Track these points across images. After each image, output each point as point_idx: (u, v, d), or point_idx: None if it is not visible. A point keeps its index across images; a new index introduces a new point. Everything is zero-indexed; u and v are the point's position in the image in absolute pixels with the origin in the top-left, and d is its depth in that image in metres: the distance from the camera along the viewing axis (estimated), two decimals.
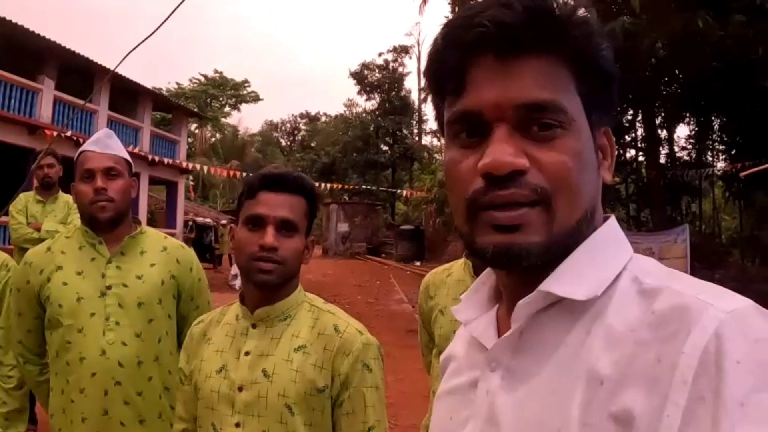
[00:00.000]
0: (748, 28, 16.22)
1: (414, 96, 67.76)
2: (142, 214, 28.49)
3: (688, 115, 26.04)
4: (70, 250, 3.41)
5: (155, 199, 36.72)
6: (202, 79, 76.76)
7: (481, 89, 1.03)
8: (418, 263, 41.55)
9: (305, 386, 2.37)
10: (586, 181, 1.05)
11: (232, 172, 34.72)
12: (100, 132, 3.58)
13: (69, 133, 22.31)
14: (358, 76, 64.01)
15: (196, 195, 47.40)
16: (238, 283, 26.09)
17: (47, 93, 25.01)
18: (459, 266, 3.63)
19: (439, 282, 3.65)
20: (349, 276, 31.82)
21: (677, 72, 22.12)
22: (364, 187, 46.81)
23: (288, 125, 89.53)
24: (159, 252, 3.52)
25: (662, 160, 25.75)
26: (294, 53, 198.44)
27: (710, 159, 27.24)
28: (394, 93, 63.49)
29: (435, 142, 65.53)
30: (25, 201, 7.17)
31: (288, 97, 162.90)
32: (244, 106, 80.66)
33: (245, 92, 79.56)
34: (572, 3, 1.04)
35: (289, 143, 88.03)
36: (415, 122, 67.45)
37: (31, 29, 22.61)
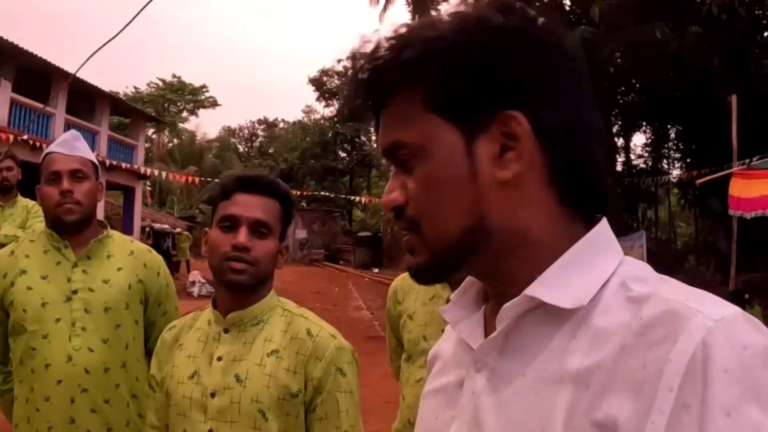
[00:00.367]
0: (703, 39, 16.48)
1: None
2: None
3: (644, 123, 26.50)
4: (35, 253, 3.32)
5: (112, 204, 36.28)
6: (160, 83, 75.92)
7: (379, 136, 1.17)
8: (376, 270, 41.76)
9: (279, 391, 2.35)
10: (448, 197, 1.06)
11: (190, 178, 34.50)
12: (66, 133, 3.50)
13: (26, 137, 22.02)
14: (317, 83, 64.23)
15: (153, 201, 47.00)
16: (196, 290, 25.96)
17: (3, 95, 24.42)
18: None
19: (407, 287, 3.63)
20: (307, 283, 31.80)
21: (634, 81, 22.43)
22: (322, 193, 46.78)
23: (246, 131, 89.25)
24: (126, 256, 3.44)
25: (619, 168, 26.11)
26: (252, 59, 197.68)
27: (666, 167, 27.69)
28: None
29: None
30: None
31: (246, 103, 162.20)
32: (202, 112, 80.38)
33: (203, 97, 78.83)
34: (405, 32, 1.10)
35: (246, 149, 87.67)
36: (373, 129, 67.49)
37: None
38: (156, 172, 33.79)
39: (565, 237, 1.06)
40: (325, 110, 68.39)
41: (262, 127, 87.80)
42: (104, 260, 3.36)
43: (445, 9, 1.12)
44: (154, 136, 61.00)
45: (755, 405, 0.83)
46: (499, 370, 1.07)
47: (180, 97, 76.67)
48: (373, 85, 1.13)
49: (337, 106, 64.56)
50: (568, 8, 21.69)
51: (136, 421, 3.27)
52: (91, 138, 29.39)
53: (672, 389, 0.85)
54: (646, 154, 28.29)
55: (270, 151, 78.24)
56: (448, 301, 3.23)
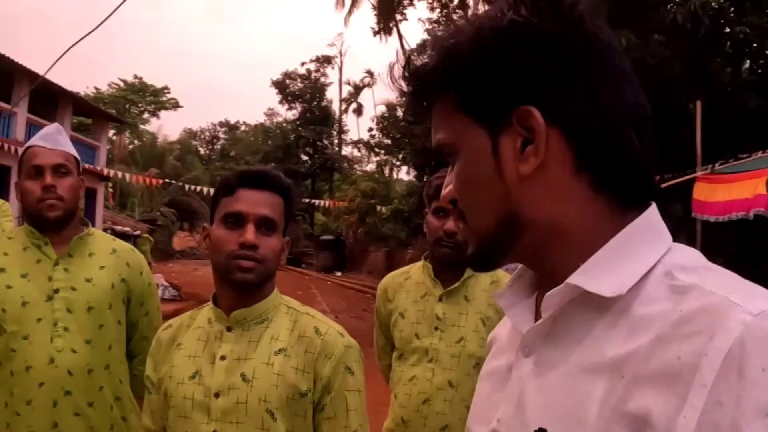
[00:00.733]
0: (666, 47, 16.63)
1: (335, 106, 68.02)
2: None
3: None
4: (14, 251, 3.19)
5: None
6: (122, 84, 75.03)
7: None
8: (338, 273, 41.73)
9: (287, 390, 2.29)
10: (480, 192, 1.12)
11: (154, 180, 34.22)
12: (49, 127, 3.38)
13: None
14: (280, 86, 64.01)
15: (114, 203, 46.58)
16: (159, 293, 25.67)
17: None
18: (417, 269, 3.59)
19: (397, 285, 3.61)
20: None
21: None
22: None
23: (207, 134, 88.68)
24: (108, 254, 3.35)
25: None
26: (214, 61, 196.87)
27: None
28: (315, 103, 63.72)
29: (355, 152, 65.87)
30: None
31: (208, 105, 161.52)
32: (163, 113, 79.64)
33: (165, 99, 78.04)
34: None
35: (208, 152, 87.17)
36: (335, 132, 67.69)
37: None
38: (120, 174, 33.48)
39: (606, 224, 1.07)
40: (287, 113, 68.21)
41: (224, 129, 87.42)
42: (86, 258, 3.26)
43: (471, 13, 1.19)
44: (114, 138, 60.36)
45: None
46: (545, 356, 1.09)
47: (141, 98, 75.86)
48: (413, 93, 1.21)
49: (300, 109, 64.45)
50: None
51: (120, 424, 3.20)
52: None
53: (706, 385, 0.84)
54: None
55: (231, 154, 77.85)
56: (440, 299, 3.24)
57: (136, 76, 76.12)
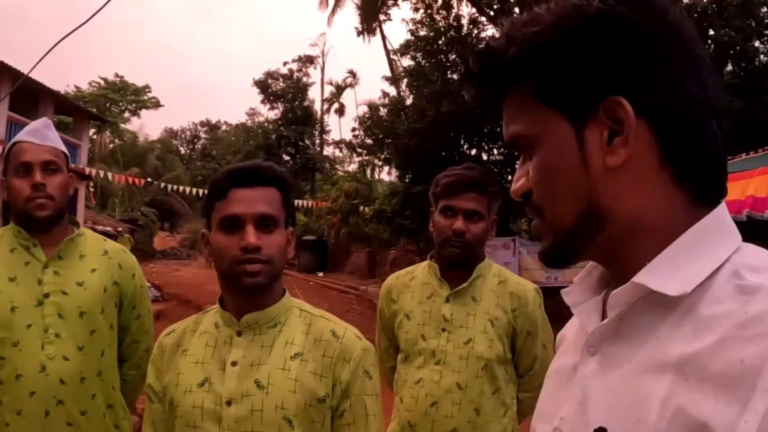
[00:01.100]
0: None
1: (317, 106, 67.96)
2: None
3: None
4: (0, 253, 3.05)
5: None
6: (102, 82, 74.35)
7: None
8: (320, 274, 41.64)
9: (305, 396, 2.19)
10: (562, 185, 1.09)
11: (136, 180, 34.04)
12: (37, 121, 3.22)
13: None
14: (262, 85, 63.89)
15: (95, 202, 46.31)
16: None
17: None
18: (422, 269, 3.52)
19: (401, 286, 3.54)
20: None
21: None
22: None
23: (188, 133, 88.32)
24: (100, 256, 3.22)
25: None
26: (195, 61, 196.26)
27: None
28: (297, 103, 63.61)
29: (337, 152, 65.83)
30: None
31: (189, 104, 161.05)
32: (144, 112, 79.20)
33: (146, 98, 77.40)
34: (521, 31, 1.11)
35: (189, 151, 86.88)
36: (317, 132, 67.60)
37: None
38: (102, 173, 33.28)
39: (683, 221, 1.05)
40: (269, 113, 68.09)
41: (205, 129, 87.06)
42: (77, 261, 3.13)
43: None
44: (95, 137, 60.00)
45: None
46: (610, 355, 1.08)
47: (122, 97, 75.23)
48: (487, 82, 1.18)
49: (282, 108, 64.35)
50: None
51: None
52: None
53: None
54: None
55: (213, 153, 77.53)
56: (447, 300, 3.20)
57: (117, 75, 75.61)
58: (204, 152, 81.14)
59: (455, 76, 23.20)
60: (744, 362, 0.85)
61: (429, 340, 3.27)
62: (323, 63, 69.03)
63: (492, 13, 22.82)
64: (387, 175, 41.62)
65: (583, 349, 1.13)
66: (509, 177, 23.97)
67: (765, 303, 0.89)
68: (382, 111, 27.12)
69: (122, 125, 74.57)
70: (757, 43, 19.65)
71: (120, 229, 37.19)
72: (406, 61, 27.55)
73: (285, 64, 65.51)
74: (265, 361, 2.24)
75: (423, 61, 24.49)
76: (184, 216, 61.23)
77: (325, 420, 2.23)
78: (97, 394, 3.06)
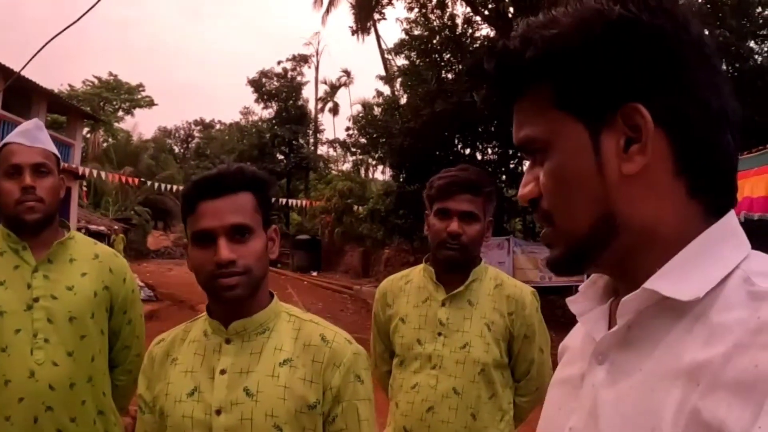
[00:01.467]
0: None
1: (311, 105, 67.99)
2: None
3: None
4: None
5: None
6: (96, 81, 74.13)
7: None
8: (314, 273, 41.69)
9: (295, 403, 2.15)
10: (577, 191, 1.08)
11: (130, 179, 33.99)
12: (28, 122, 3.15)
13: None
14: (256, 84, 63.86)
15: (88, 202, 46.25)
16: None
17: None
18: (418, 273, 3.48)
19: (397, 290, 3.49)
20: None
21: None
22: None
23: (182, 132, 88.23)
24: (90, 260, 3.16)
25: None
26: (189, 59, 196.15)
27: None
28: (291, 102, 63.64)
29: (331, 152, 65.89)
30: None
31: (183, 103, 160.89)
32: (138, 111, 79.09)
33: (140, 97, 77.25)
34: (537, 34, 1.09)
35: (182, 150, 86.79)
36: (311, 132, 67.64)
37: None
38: (95, 172, 33.22)
39: (695, 230, 1.04)
40: (263, 112, 68.09)
41: (199, 128, 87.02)
42: (67, 264, 3.07)
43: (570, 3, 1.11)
44: (89, 136, 59.86)
45: None
46: (619, 364, 1.07)
47: (116, 96, 75.05)
48: (500, 83, 1.17)
49: (276, 108, 64.34)
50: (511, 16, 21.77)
51: None
52: None
53: None
54: None
55: (206, 152, 77.50)
56: (443, 303, 3.17)
57: (110, 74, 75.48)
58: (198, 151, 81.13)
59: (450, 76, 23.22)
60: (758, 367, 0.84)
61: (425, 345, 3.23)
62: (317, 62, 69.23)
63: (486, 12, 22.81)
64: (381, 174, 41.69)
65: (590, 358, 1.13)
66: (503, 177, 24.00)
67: None
68: (377, 110, 27.14)
69: (116, 124, 74.52)
70: (752, 44, 19.69)
71: (116, 227, 37.18)
72: (401, 61, 27.60)
73: (279, 63, 65.57)
74: (254, 369, 2.20)
75: (417, 61, 24.52)
76: (177, 215, 61.07)
77: (316, 426, 2.20)
78: (88, 400, 3.01)
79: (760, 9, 19.10)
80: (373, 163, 38.88)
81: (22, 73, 16.55)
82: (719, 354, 0.90)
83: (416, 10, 24.70)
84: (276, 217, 56.29)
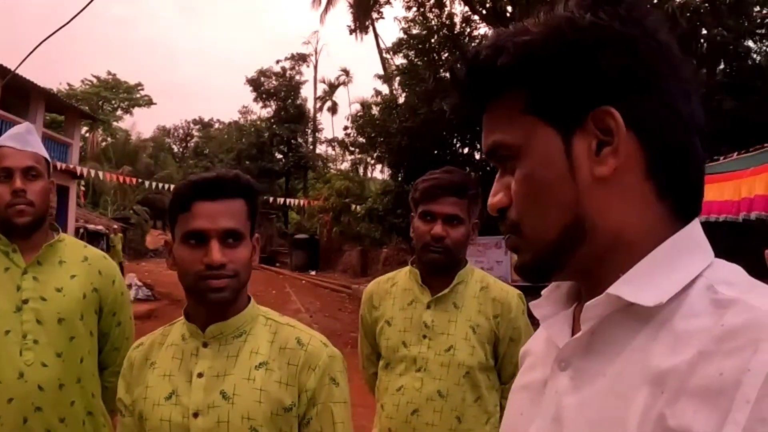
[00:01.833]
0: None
1: (310, 104, 67.99)
2: None
3: None
4: None
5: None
6: (95, 80, 74.02)
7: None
8: (313, 272, 41.75)
9: (271, 406, 2.17)
10: (548, 197, 1.08)
11: (128, 179, 33.97)
12: (19, 126, 3.17)
13: None
14: (255, 83, 63.95)
15: (86, 201, 46.21)
16: (132, 293, 25.38)
17: None
18: (404, 275, 3.48)
19: (383, 292, 3.50)
20: None
21: None
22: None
23: (181, 131, 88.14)
24: (80, 262, 3.18)
25: None
26: (189, 58, 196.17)
27: None
28: (290, 101, 63.74)
29: (330, 151, 65.94)
30: None
31: (182, 102, 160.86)
32: (136, 110, 79.00)
33: (138, 96, 77.02)
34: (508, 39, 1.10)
35: (181, 150, 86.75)
36: (310, 131, 67.69)
37: None
38: (92, 172, 33.19)
39: (659, 235, 1.06)
40: (262, 111, 68.19)
41: (197, 127, 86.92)
42: (56, 266, 3.10)
43: (541, 14, 1.12)
44: (87, 135, 59.83)
45: None
46: (583, 370, 1.08)
47: (115, 95, 74.96)
48: (471, 89, 1.17)
49: (274, 107, 64.39)
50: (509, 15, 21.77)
51: None
52: None
53: (749, 401, 0.82)
54: None
55: (205, 151, 77.47)
56: (428, 306, 3.16)
57: (109, 73, 75.32)
58: (197, 150, 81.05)
59: (448, 75, 23.25)
60: (723, 375, 0.86)
61: (410, 347, 3.23)
62: (316, 61, 69.31)
63: (484, 11, 22.79)
64: (380, 173, 41.66)
65: (553, 364, 1.13)
66: None
67: (740, 316, 0.90)
68: (375, 110, 27.11)
69: (114, 123, 74.45)
70: (750, 43, 19.68)
71: (115, 227, 37.15)
72: (399, 60, 27.55)
73: (278, 62, 65.78)
74: (230, 372, 2.22)
75: (415, 60, 24.49)
76: None
77: (292, 429, 2.22)
78: (77, 401, 3.03)
79: (758, 8, 19.05)
80: (372, 162, 38.90)
81: (21, 72, 16.57)
82: (684, 361, 0.91)
83: (414, 9, 24.68)
84: (275, 216, 56.43)
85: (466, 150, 24.19)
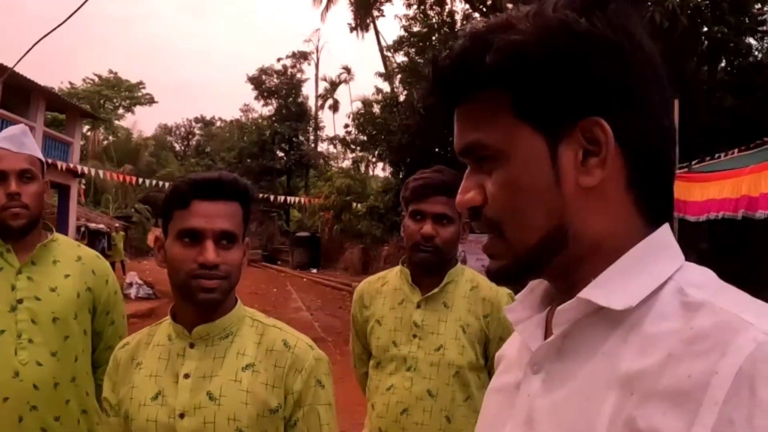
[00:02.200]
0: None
1: (311, 102, 67.97)
2: None
3: None
4: None
5: (46, 203, 35.51)
6: (96, 79, 73.80)
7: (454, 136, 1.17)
8: (314, 270, 41.76)
9: (257, 408, 2.18)
10: (531, 202, 1.07)
11: (128, 178, 33.97)
12: (14, 128, 3.19)
13: None
14: (256, 81, 63.89)
15: (87, 199, 46.22)
16: (133, 292, 25.41)
17: None
18: (395, 274, 3.49)
19: (374, 291, 3.51)
20: (244, 283, 31.16)
21: None
22: (260, 195, 46.16)
23: (182, 129, 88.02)
24: (73, 262, 3.22)
25: None
26: (189, 56, 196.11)
27: None
28: (291, 99, 63.67)
29: (331, 149, 65.87)
30: None
31: (184, 100, 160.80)
32: (138, 109, 78.94)
33: (140, 94, 76.92)
34: (490, 38, 1.07)
35: (183, 148, 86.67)
36: (311, 129, 67.67)
37: None
38: (93, 171, 33.19)
39: (634, 240, 1.06)
40: (263, 109, 68.13)
41: (199, 125, 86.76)
42: (50, 266, 3.14)
43: (524, 7, 1.10)
44: (89, 134, 59.80)
45: None
46: (554, 373, 1.08)
47: (116, 93, 74.81)
48: (452, 81, 1.13)
49: (276, 105, 64.36)
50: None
51: None
52: None
53: (717, 403, 0.83)
54: None
55: (207, 150, 77.37)
56: (418, 305, 3.16)
57: (111, 71, 75.19)
58: (198, 149, 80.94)
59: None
60: (691, 377, 0.87)
61: (400, 347, 3.24)
62: (317, 59, 69.21)
63: (485, 8, 22.80)
64: (382, 171, 41.66)
65: (526, 368, 1.13)
66: None
67: (709, 319, 0.92)
68: (376, 107, 27.11)
69: (116, 122, 74.37)
70: (751, 40, 19.67)
71: (116, 225, 37.16)
72: (400, 57, 27.60)
73: (279, 60, 65.60)
74: (217, 373, 2.23)
75: (416, 57, 24.51)
76: None
77: (278, 430, 2.24)
78: (71, 399, 3.06)
79: (759, 5, 19.05)
80: (373, 160, 38.89)
81: (23, 72, 16.56)
82: (654, 363, 0.92)
83: (415, 6, 24.72)
84: (276, 214, 56.42)
85: None
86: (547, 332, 1.15)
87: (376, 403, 3.28)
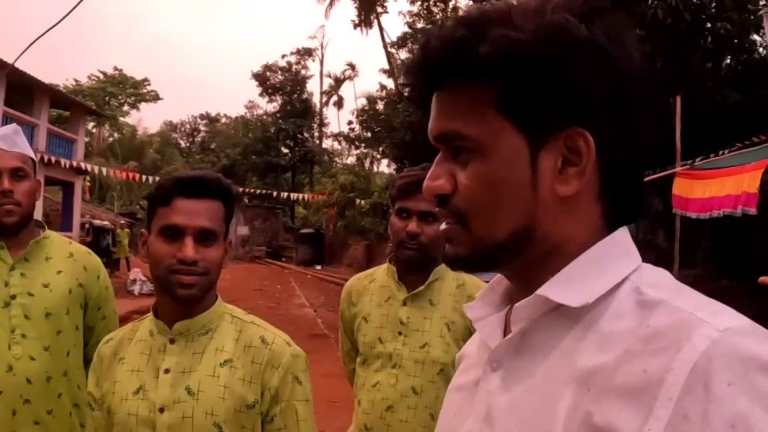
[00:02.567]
0: (646, 42, 17.01)
1: (316, 99, 68.01)
2: (37, 216, 27.54)
3: None
4: None
5: (50, 200, 35.50)
6: (101, 76, 73.92)
7: (430, 120, 1.16)
8: (318, 267, 41.81)
9: (234, 403, 2.22)
10: (504, 200, 1.06)
11: (133, 175, 33.99)
12: (6, 127, 3.24)
13: None
14: (261, 78, 63.95)
15: (92, 196, 46.27)
16: (137, 288, 25.47)
17: None
18: (382, 272, 3.50)
19: (361, 288, 3.51)
20: (249, 280, 31.57)
21: None
22: (264, 191, 46.29)
23: (187, 126, 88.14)
24: (65, 258, 3.27)
25: None
26: (194, 53, 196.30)
27: None
28: (296, 95, 63.75)
29: (336, 145, 65.96)
30: None
31: (189, 97, 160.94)
32: (143, 106, 79.04)
33: (145, 91, 76.97)
34: (486, 29, 1.05)
35: (188, 144, 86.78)
36: (316, 125, 67.69)
37: None
38: (97, 168, 33.22)
39: (593, 242, 1.08)
40: (268, 106, 68.23)
41: (204, 122, 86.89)
42: (43, 263, 3.19)
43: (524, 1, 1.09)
44: (94, 130, 59.95)
45: (761, 418, 0.82)
46: (513, 370, 1.09)
47: (121, 90, 74.93)
48: (439, 64, 1.09)
49: (280, 101, 64.41)
50: None
51: (78, 430, 3.14)
52: (29, 131, 28.59)
53: (671, 398, 0.85)
54: None
55: (212, 146, 77.49)
56: (404, 303, 3.15)
57: (116, 68, 75.41)
58: (203, 145, 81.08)
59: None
60: (647, 372, 0.89)
61: (386, 344, 3.24)
62: (322, 55, 69.30)
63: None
64: (386, 167, 41.70)
65: (485, 365, 1.14)
66: None
67: (665, 317, 0.93)
68: (380, 104, 27.12)
69: (121, 118, 74.50)
70: (755, 36, 19.66)
71: (121, 222, 37.20)
72: (404, 54, 27.60)
73: (283, 56, 65.79)
74: (195, 368, 2.27)
75: None
76: None
77: (255, 426, 2.27)
78: (64, 393, 3.11)
79: (763, 1, 19.03)
80: (377, 156, 38.92)
81: (28, 69, 16.58)
82: (610, 360, 0.94)
83: (419, 3, 24.73)
84: (281, 210, 56.44)
85: None
86: (507, 330, 1.15)
87: (362, 400, 3.29)
